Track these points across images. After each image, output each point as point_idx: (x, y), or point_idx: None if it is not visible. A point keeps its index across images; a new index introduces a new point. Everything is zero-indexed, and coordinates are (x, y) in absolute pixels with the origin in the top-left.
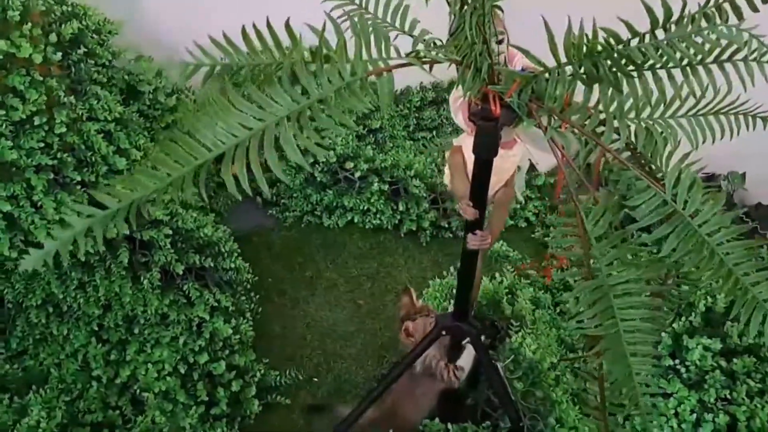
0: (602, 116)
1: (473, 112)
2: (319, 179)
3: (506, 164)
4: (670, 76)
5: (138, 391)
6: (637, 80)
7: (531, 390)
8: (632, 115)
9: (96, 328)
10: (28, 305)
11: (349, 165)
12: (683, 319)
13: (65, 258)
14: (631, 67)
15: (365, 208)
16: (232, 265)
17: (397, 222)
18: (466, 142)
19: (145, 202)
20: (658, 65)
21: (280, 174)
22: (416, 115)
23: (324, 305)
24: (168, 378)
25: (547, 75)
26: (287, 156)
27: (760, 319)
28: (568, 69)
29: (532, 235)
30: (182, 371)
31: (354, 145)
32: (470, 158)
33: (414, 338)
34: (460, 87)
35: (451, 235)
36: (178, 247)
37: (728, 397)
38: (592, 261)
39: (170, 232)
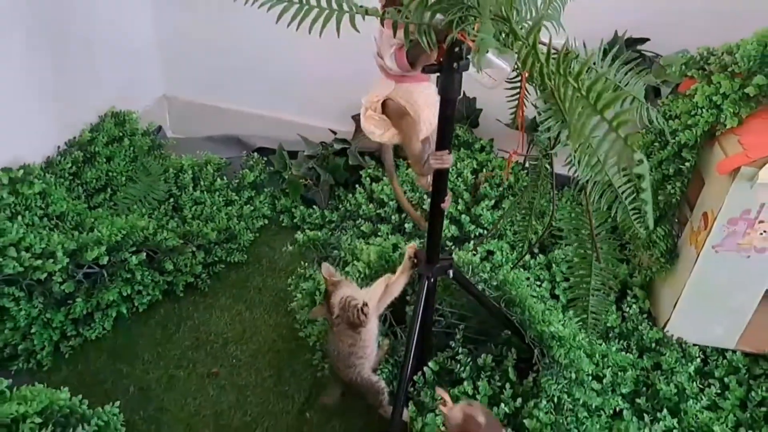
0: None
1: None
2: (55, 291)
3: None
4: None
5: None
6: None
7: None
8: None
9: None
10: None
11: (90, 255)
12: None
13: None
14: None
15: (127, 292)
16: None
17: (166, 287)
18: (411, 93)
19: None
20: None
21: None
22: (77, 180)
23: (186, 395)
24: None
25: None
26: None
27: None
28: None
29: None
30: None
31: (48, 236)
32: (426, 104)
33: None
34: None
35: (224, 266)
36: None
37: None
38: None
39: None
